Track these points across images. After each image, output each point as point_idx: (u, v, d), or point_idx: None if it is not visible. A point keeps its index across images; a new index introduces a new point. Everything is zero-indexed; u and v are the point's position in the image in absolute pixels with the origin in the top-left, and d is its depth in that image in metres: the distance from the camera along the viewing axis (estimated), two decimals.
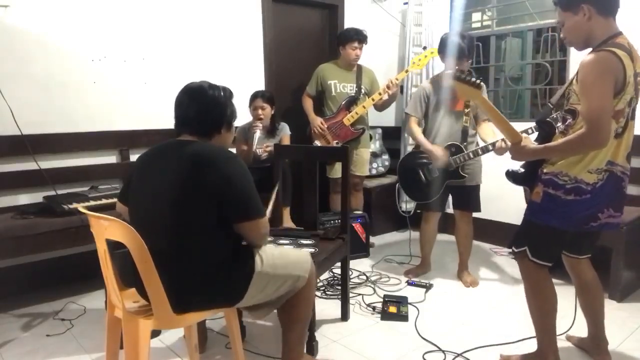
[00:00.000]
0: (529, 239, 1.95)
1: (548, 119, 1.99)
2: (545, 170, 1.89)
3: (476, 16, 4.39)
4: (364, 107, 3.52)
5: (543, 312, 2.01)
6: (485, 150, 2.78)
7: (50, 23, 2.90)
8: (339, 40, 3.63)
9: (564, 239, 1.94)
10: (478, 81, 1.86)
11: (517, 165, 2.04)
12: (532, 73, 4.26)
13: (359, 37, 3.56)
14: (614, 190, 1.80)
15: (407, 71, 3.49)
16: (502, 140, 2.64)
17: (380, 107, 3.65)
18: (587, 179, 1.78)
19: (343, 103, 3.58)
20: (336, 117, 3.59)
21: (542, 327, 2.03)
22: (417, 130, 3.03)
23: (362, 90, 3.63)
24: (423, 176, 3.00)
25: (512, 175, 2.05)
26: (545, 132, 1.97)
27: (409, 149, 4.11)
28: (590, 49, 1.80)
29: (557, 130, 1.93)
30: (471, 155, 2.84)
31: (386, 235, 4.23)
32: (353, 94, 3.61)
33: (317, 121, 3.60)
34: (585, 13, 1.75)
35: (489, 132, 2.88)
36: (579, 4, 1.75)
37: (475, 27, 4.35)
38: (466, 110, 2.90)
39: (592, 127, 1.66)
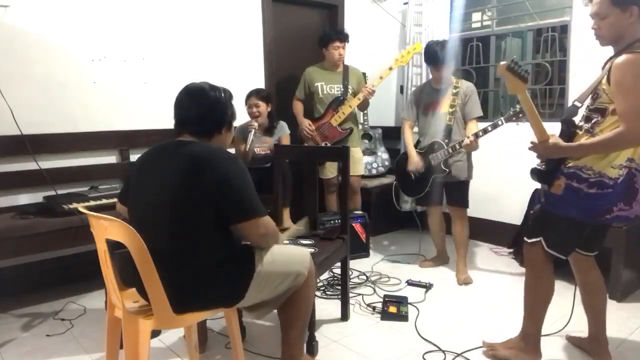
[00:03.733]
0: (546, 230, 2.00)
1: (572, 119, 2.01)
2: (569, 165, 1.93)
3: (476, 16, 4.38)
4: (350, 106, 3.52)
5: (538, 301, 2.07)
6: (454, 148, 2.99)
7: (50, 23, 2.90)
8: (320, 43, 3.61)
9: (581, 232, 1.97)
10: (527, 75, 1.89)
11: (538, 163, 2.07)
12: (532, 73, 4.25)
13: (339, 36, 3.55)
14: (629, 185, 1.85)
15: (391, 68, 3.47)
16: (474, 135, 2.87)
17: (361, 107, 3.66)
18: (610, 174, 1.84)
19: (330, 104, 3.58)
20: (324, 118, 3.59)
21: (532, 315, 2.09)
22: (408, 134, 3.32)
23: (349, 91, 3.62)
24: (412, 174, 3.21)
25: (537, 173, 2.07)
26: (570, 132, 2.00)
27: None
28: (612, 48, 1.86)
29: (582, 129, 1.95)
30: (450, 151, 3.01)
31: (386, 235, 4.23)
32: (339, 95, 3.60)
33: (305, 123, 3.61)
34: (632, 14, 1.78)
35: (472, 130, 3.01)
36: (630, 4, 1.77)
37: (475, 27, 4.34)
38: (450, 110, 3.06)
39: (631, 125, 1.72)
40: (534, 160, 2.09)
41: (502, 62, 1.83)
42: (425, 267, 3.39)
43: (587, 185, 1.86)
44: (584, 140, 1.89)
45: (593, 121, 1.90)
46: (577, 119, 2.03)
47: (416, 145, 3.24)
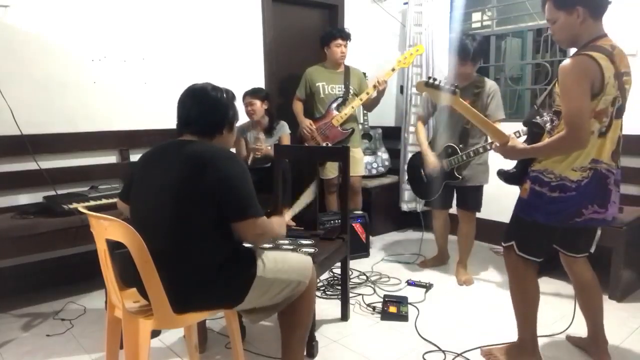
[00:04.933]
0: (517, 234, 2.01)
1: (535, 120, 2.02)
2: (532, 168, 1.94)
3: (476, 16, 4.38)
4: (352, 107, 3.52)
5: (525, 304, 2.07)
6: (476, 152, 2.85)
7: (50, 23, 2.90)
8: (322, 42, 3.61)
9: (551, 235, 1.98)
10: (453, 87, 1.90)
11: (509, 166, 2.08)
12: (532, 73, 4.25)
13: (341, 34, 3.55)
14: (598, 187, 1.84)
15: (393, 69, 3.46)
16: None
17: (369, 106, 3.66)
18: (572, 177, 1.83)
19: (331, 104, 3.58)
20: (325, 118, 3.58)
21: (523, 318, 2.08)
22: (421, 132, 3.15)
23: (351, 91, 3.61)
24: (424, 176, 3.11)
25: (503, 175, 2.10)
26: (534, 133, 2.00)
27: (409, 149, 4.12)
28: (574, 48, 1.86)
29: (545, 130, 1.97)
30: (464, 157, 2.89)
31: (386, 235, 4.23)
32: (341, 95, 3.60)
33: (305, 122, 3.60)
34: (579, 15, 1.77)
35: None
36: (574, 5, 1.77)
37: (475, 27, 4.34)
38: None
39: (571, 129, 1.72)
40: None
41: (420, 80, 1.87)
42: (426, 267, 3.38)
43: (549, 188, 1.86)
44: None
45: (553, 123, 1.91)
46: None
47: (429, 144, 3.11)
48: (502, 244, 2.07)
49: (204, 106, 1.69)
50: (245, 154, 3.45)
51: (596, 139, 1.80)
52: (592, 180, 1.82)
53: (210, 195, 1.56)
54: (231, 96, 1.76)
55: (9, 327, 2.55)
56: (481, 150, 2.83)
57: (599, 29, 1.81)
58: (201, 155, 1.59)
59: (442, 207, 3.20)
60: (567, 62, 1.76)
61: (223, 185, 1.56)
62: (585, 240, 2.07)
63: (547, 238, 1.99)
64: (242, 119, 3.40)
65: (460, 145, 2.93)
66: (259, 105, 3.41)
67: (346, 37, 3.57)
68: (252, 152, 3.39)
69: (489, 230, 3.75)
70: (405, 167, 3.33)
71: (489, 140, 2.82)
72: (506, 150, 1.95)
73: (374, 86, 3.41)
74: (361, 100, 3.50)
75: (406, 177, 3.41)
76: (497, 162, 2.97)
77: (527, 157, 1.95)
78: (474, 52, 2.79)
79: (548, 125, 1.94)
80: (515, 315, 2.10)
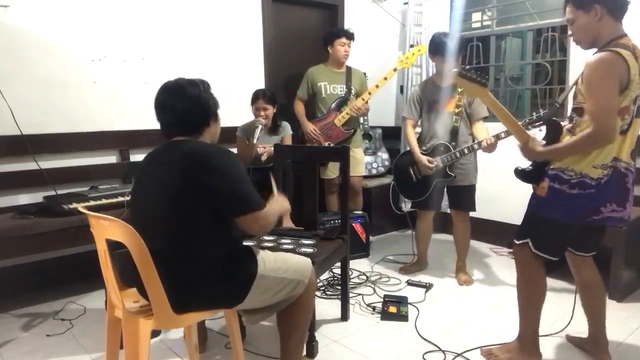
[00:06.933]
0: (533, 232, 1.99)
1: (555, 118, 2.02)
2: (552, 166, 1.92)
3: (476, 16, 4.38)
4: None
5: (531, 303, 2.06)
6: (471, 149, 2.86)
7: (50, 23, 2.90)
8: (325, 41, 3.60)
9: (568, 233, 1.96)
10: (484, 80, 1.89)
11: (526, 164, 2.06)
12: (532, 73, 4.26)
13: (345, 33, 3.55)
14: (617, 185, 1.83)
15: (395, 69, 3.47)
16: (495, 136, 2.71)
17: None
18: (592, 174, 1.82)
19: (333, 104, 3.58)
20: (327, 119, 3.58)
21: (526, 317, 2.08)
22: (411, 134, 3.12)
23: (352, 91, 3.61)
24: (413, 175, 3.09)
25: (521, 174, 2.07)
26: (554, 131, 2.00)
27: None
28: (594, 49, 1.85)
29: (564, 129, 1.96)
30: (458, 155, 2.90)
31: (386, 235, 4.23)
32: (343, 95, 3.60)
33: (309, 127, 3.58)
34: (597, 13, 1.78)
35: (482, 131, 2.90)
36: (591, 3, 1.78)
37: (475, 27, 4.35)
38: (456, 111, 2.94)
39: (599, 126, 1.71)
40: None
41: (454, 69, 1.85)
42: (407, 273, 3.27)
43: (569, 186, 1.85)
44: (565, 140, 1.90)
45: (574, 121, 1.90)
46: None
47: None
48: (515, 241, 2.05)
49: (185, 105, 1.65)
50: (250, 147, 3.41)
51: (618, 137, 1.80)
52: (612, 179, 1.82)
53: (205, 193, 1.55)
54: (207, 87, 1.73)
55: (9, 327, 2.55)
56: (476, 146, 2.83)
57: (619, 29, 1.81)
58: (195, 154, 1.58)
59: (433, 208, 3.17)
60: (593, 58, 1.75)
61: (217, 181, 1.55)
62: (596, 239, 2.07)
63: (564, 236, 1.98)
64: (245, 117, 3.41)
65: (453, 143, 2.94)
66: (271, 111, 3.39)
67: (350, 36, 3.57)
68: (256, 148, 3.35)
69: (489, 230, 3.75)
70: (393, 168, 3.29)
71: (478, 140, 2.84)
72: (526, 151, 1.94)
73: (374, 88, 3.41)
74: (363, 100, 3.50)
75: (392, 179, 3.37)
76: (487, 161, 3.02)
77: (547, 158, 1.93)
78: (448, 47, 2.86)
79: (568, 124, 1.93)
80: (520, 312, 2.10)
